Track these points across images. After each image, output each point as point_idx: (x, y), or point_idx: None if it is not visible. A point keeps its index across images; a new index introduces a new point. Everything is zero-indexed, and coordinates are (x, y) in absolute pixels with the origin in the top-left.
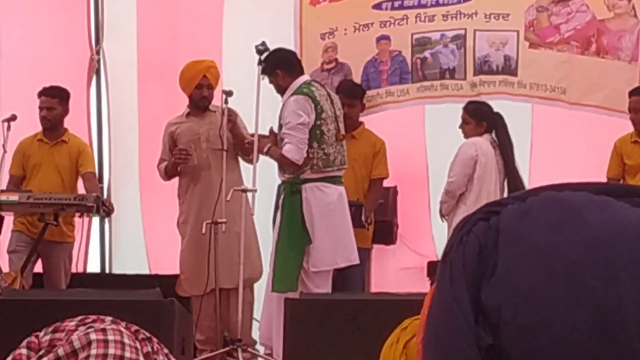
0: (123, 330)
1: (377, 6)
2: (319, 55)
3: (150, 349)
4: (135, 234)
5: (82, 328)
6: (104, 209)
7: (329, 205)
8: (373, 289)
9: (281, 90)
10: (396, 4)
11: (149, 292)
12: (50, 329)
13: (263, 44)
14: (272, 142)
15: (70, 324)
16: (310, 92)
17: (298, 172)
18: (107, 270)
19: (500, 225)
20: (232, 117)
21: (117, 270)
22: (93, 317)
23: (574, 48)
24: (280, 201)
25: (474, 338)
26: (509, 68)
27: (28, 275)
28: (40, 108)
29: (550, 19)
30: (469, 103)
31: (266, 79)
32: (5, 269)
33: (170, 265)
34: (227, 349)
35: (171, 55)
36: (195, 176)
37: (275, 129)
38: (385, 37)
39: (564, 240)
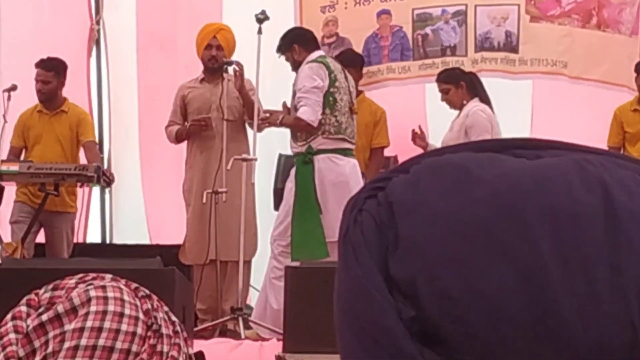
0: (123, 287)
1: None
2: (320, 29)
3: (150, 306)
4: (136, 204)
5: (82, 285)
6: (105, 179)
7: (340, 176)
8: None
9: (296, 65)
10: None
11: (150, 261)
12: (50, 286)
13: (263, 12)
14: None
15: (70, 281)
16: (324, 61)
17: (311, 137)
18: (107, 241)
19: (390, 198)
20: (240, 71)
21: (117, 240)
22: (93, 275)
23: (575, 21)
24: (293, 171)
25: (395, 312)
26: (510, 44)
27: (30, 246)
28: (36, 80)
29: None
30: (439, 73)
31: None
32: (7, 239)
33: (170, 235)
34: (227, 318)
35: (170, 25)
36: (202, 144)
37: (288, 103)
38: (386, 12)
39: (463, 200)
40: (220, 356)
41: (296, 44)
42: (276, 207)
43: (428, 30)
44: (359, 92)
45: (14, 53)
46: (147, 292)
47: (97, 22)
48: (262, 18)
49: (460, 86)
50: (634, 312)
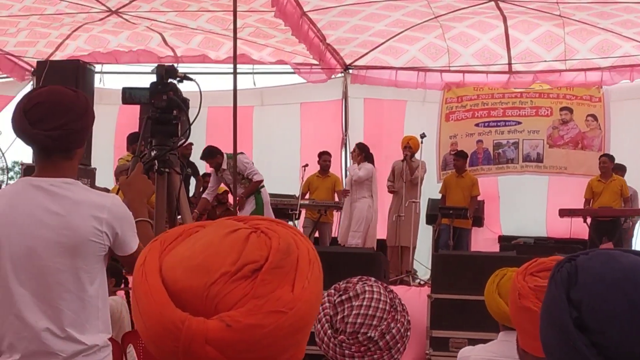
0: (380, 285)
1: (477, 125)
2: (449, 147)
3: (392, 295)
4: None
5: (360, 283)
6: None
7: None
8: (472, 249)
9: (218, 163)
10: (485, 123)
11: (369, 248)
12: (345, 281)
13: (424, 134)
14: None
15: (354, 279)
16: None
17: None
18: None
19: (577, 264)
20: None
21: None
22: (366, 277)
23: (570, 146)
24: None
25: (568, 313)
26: (539, 158)
27: (310, 240)
28: (325, 161)
29: (559, 132)
30: (357, 144)
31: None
32: None
33: (378, 234)
34: (404, 275)
35: (377, 133)
36: (396, 192)
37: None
38: (480, 141)
39: (609, 268)
40: (400, 293)
41: (219, 155)
42: (427, 222)
43: (500, 151)
44: (465, 170)
45: (306, 151)
46: (391, 288)
47: (345, 134)
48: (422, 136)
49: (362, 154)
50: None
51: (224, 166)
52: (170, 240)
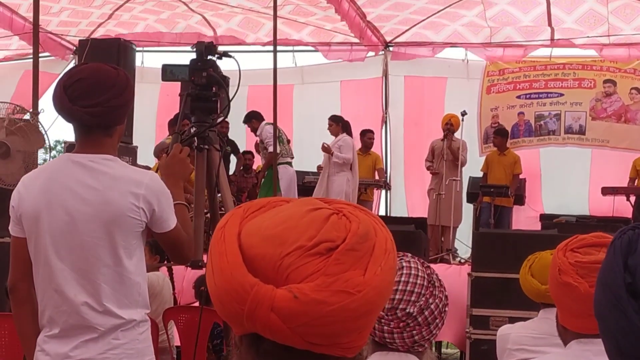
0: (417, 261)
1: (518, 97)
2: (490, 119)
3: (430, 271)
4: (401, 196)
5: (398, 259)
6: (388, 185)
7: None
8: (513, 227)
9: (254, 129)
10: (527, 96)
11: (409, 227)
12: None
13: (464, 111)
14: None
15: (407, 258)
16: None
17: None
18: (388, 214)
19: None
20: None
21: (393, 214)
22: (402, 253)
23: (613, 119)
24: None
25: (622, 277)
26: (581, 130)
27: None
28: (369, 139)
29: (602, 105)
30: (331, 116)
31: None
32: None
33: (417, 211)
34: (444, 253)
35: (418, 110)
36: (436, 173)
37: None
38: (522, 113)
39: None
40: (441, 271)
41: (254, 119)
42: (468, 201)
43: (542, 122)
44: (506, 148)
45: (349, 122)
46: (428, 264)
47: (385, 112)
48: (463, 114)
49: (338, 125)
50: None
51: (258, 132)
52: (254, 210)
